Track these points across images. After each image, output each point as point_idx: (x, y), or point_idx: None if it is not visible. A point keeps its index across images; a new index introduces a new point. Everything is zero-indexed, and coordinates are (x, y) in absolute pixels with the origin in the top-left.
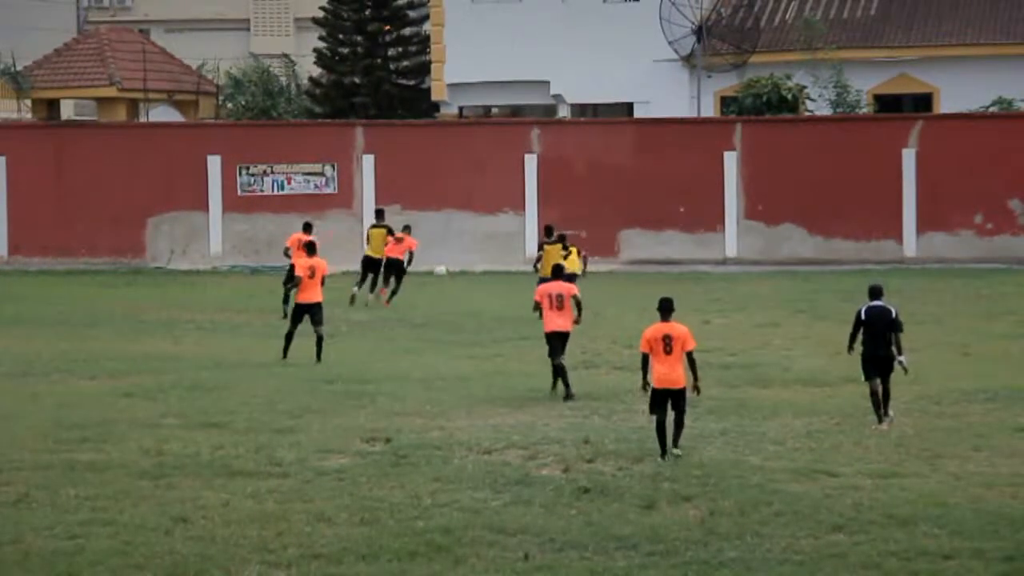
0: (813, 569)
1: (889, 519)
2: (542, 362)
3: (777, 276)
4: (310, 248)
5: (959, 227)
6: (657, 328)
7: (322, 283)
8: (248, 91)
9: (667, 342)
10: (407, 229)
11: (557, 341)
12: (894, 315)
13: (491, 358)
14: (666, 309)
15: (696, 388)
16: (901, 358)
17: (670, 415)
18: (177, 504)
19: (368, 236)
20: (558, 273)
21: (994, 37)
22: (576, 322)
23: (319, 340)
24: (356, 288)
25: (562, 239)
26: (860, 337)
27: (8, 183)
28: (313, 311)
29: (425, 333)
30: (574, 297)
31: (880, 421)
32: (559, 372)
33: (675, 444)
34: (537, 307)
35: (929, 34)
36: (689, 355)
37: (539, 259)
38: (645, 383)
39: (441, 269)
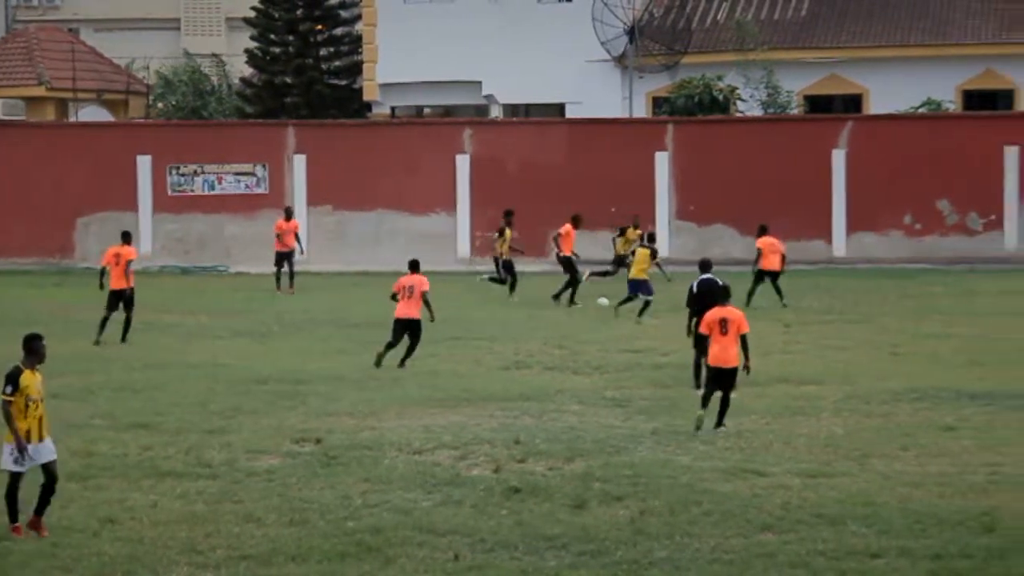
0: (742, 568)
1: (818, 518)
2: (474, 362)
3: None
4: (124, 237)
5: (888, 227)
6: (716, 311)
7: (127, 269)
8: (179, 91)
9: (723, 324)
10: None
11: (402, 326)
12: (720, 285)
13: (423, 358)
14: (725, 295)
15: (746, 367)
16: None
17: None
18: (105, 505)
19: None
20: (415, 268)
21: (923, 38)
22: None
23: (127, 322)
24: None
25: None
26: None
27: None
28: (123, 296)
29: (358, 334)
30: (424, 292)
31: (697, 387)
32: (391, 348)
33: (720, 422)
34: (395, 296)
35: (859, 35)
36: (743, 337)
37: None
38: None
39: (604, 301)
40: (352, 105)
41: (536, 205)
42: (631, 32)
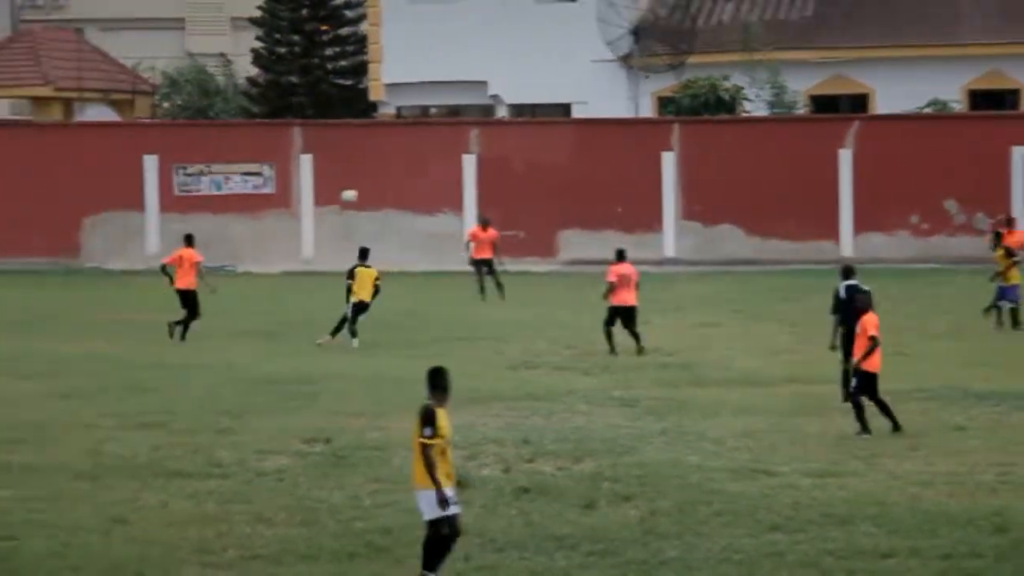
0: (752, 568)
1: (827, 518)
2: (481, 363)
3: (715, 276)
4: (187, 240)
5: (895, 227)
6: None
7: (198, 270)
8: (184, 91)
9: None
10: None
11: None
12: (865, 291)
13: (430, 358)
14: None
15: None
16: None
17: None
18: (115, 505)
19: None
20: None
21: (928, 39)
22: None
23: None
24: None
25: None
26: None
27: None
28: (186, 295)
29: (365, 334)
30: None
31: (845, 400)
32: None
33: (894, 424)
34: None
35: (865, 35)
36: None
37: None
38: None
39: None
40: (358, 105)
41: (542, 205)
42: (636, 32)
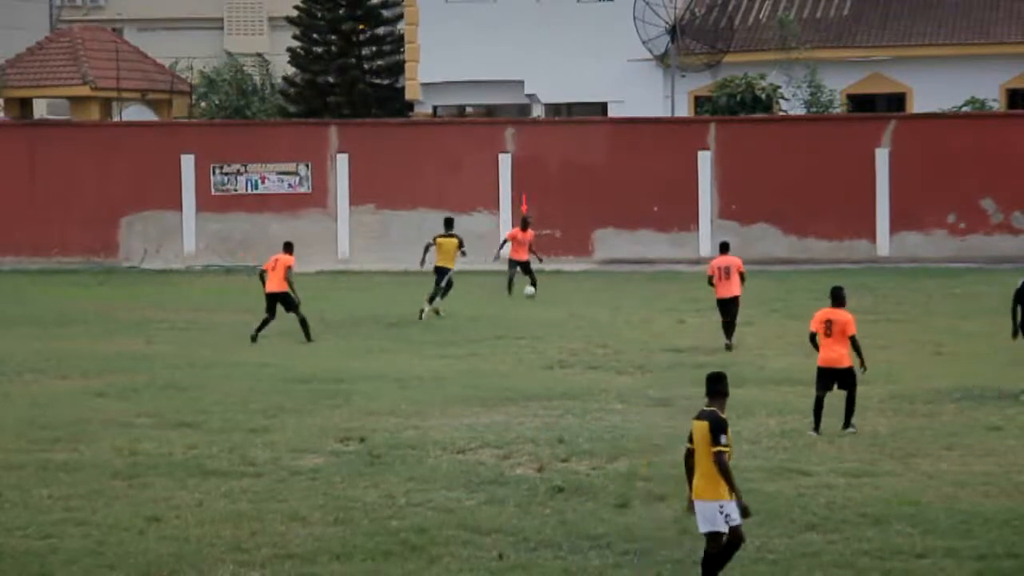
0: (787, 568)
1: (862, 518)
2: (516, 362)
3: (751, 276)
4: (285, 247)
5: (932, 227)
6: (823, 312)
7: (285, 275)
8: (222, 90)
9: (828, 326)
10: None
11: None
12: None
13: (465, 358)
14: (837, 298)
15: (862, 367)
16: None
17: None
18: (150, 504)
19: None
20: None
21: (966, 37)
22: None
23: (300, 323)
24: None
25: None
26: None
27: None
28: (278, 298)
29: (400, 333)
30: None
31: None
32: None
33: (847, 423)
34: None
35: (902, 34)
36: (852, 338)
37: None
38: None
39: (530, 290)
40: (394, 104)
41: (577, 204)
42: (673, 31)
